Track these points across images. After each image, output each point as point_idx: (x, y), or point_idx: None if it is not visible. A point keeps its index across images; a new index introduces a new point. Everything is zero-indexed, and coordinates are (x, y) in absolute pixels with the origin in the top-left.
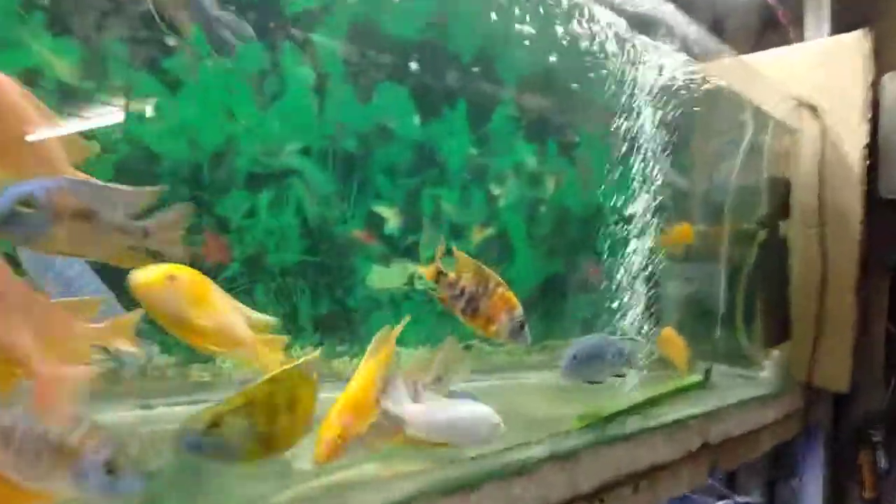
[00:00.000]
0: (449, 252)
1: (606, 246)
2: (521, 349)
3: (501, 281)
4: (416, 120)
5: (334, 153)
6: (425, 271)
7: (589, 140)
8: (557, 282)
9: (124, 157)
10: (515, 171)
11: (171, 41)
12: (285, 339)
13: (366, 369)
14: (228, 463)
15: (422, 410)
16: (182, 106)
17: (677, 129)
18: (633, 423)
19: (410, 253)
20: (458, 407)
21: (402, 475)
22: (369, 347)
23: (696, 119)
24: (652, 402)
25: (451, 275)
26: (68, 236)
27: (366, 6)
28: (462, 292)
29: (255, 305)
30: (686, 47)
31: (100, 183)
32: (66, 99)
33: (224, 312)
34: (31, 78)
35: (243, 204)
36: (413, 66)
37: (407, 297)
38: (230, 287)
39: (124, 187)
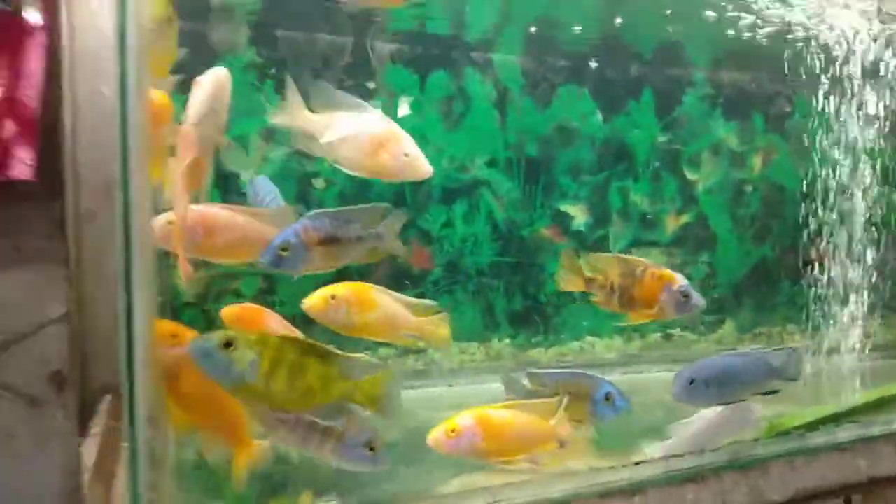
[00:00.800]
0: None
1: (827, 224)
2: (730, 338)
3: (648, 262)
4: (599, 117)
5: (518, 160)
6: (573, 286)
7: (804, 108)
8: (769, 266)
9: (342, 188)
10: (713, 153)
11: (371, 84)
12: (446, 315)
13: (536, 423)
14: (226, 386)
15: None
16: None
17: None
18: (850, 430)
19: (600, 247)
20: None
21: (560, 474)
22: (536, 402)
23: None
24: (876, 406)
25: (598, 276)
26: (321, 257)
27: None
28: (612, 289)
29: (455, 304)
30: None
31: (336, 210)
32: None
33: (387, 310)
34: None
35: (441, 216)
36: (593, 64)
37: None
38: (434, 289)
39: (358, 207)
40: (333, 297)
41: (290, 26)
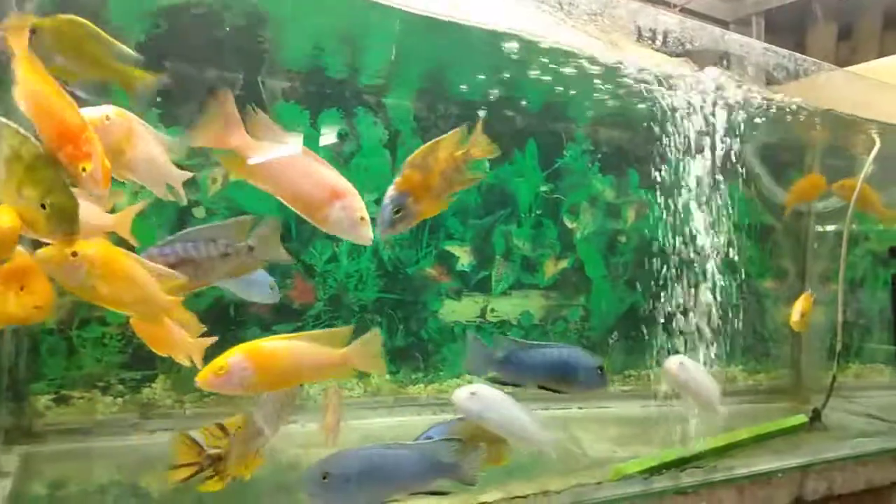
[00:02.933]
0: None
1: (692, 275)
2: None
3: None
4: (486, 164)
5: None
6: None
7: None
8: (639, 312)
9: (223, 216)
10: (591, 204)
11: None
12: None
13: (320, 351)
14: None
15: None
16: None
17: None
18: (693, 475)
19: (482, 287)
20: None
21: None
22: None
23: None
24: (726, 450)
25: None
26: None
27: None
28: None
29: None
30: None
31: (192, 230)
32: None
33: (136, 281)
34: None
35: (326, 251)
36: (481, 113)
37: (479, 329)
38: (315, 323)
39: (220, 223)
40: (76, 253)
41: (177, 58)
